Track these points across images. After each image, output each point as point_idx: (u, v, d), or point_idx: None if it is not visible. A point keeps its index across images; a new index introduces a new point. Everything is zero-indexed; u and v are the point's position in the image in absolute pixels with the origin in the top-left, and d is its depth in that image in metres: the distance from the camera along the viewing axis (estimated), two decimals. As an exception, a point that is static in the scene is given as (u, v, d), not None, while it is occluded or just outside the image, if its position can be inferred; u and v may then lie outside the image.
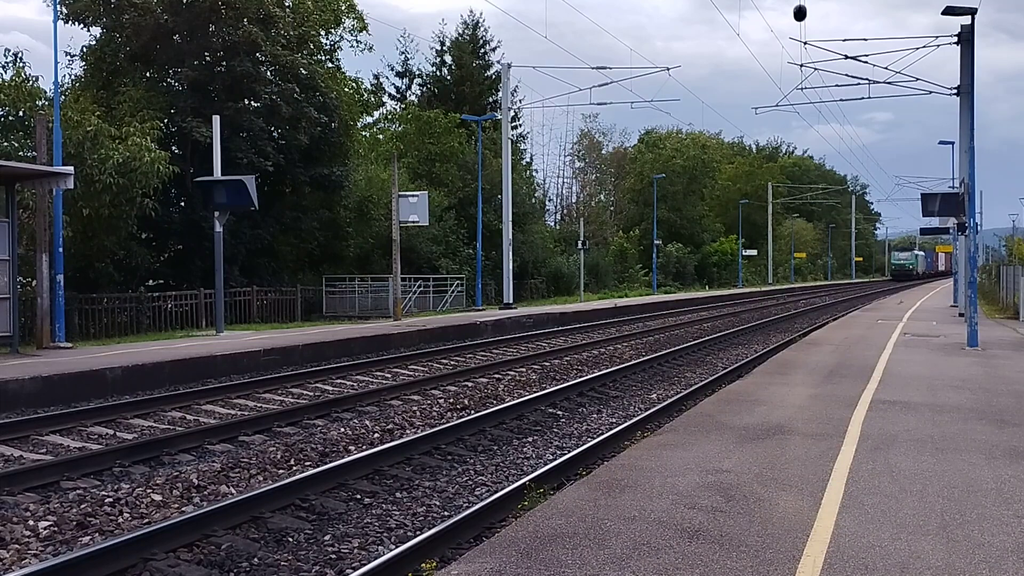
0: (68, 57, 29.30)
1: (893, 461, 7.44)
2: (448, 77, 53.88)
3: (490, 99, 52.01)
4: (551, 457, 9.57)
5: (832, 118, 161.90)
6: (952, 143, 34.27)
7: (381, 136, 49.12)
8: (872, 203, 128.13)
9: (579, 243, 44.70)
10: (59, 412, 11.38)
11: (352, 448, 9.65)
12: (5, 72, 23.40)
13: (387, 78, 55.61)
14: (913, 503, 6.19)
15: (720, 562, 5.00)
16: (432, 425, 10.87)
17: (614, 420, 11.90)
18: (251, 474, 8.49)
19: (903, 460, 7.49)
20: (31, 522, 6.82)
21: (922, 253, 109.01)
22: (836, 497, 6.30)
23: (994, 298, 40.04)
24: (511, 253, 34.89)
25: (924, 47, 22.42)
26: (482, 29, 54.55)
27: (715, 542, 5.34)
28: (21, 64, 23.43)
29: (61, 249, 17.98)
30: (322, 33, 34.30)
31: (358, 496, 7.91)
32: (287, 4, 31.03)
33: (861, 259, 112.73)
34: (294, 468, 8.76)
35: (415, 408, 12.18)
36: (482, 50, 54.29)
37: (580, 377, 15.24)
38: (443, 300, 35.86)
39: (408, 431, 10.59)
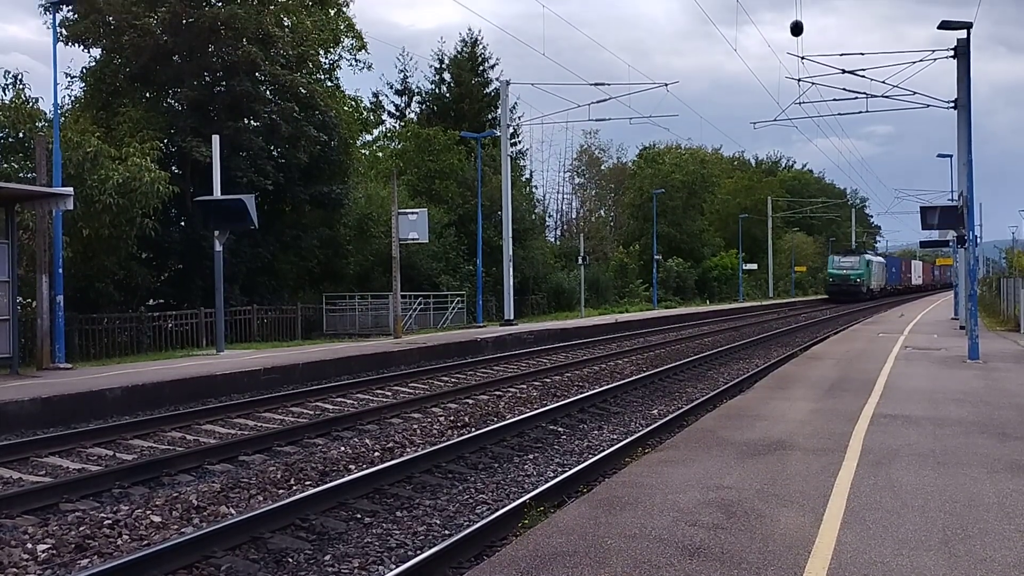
0: (68, 78, 29.42)
1: (895, 476, 7.42)
2: (447, 94, 54.05)
3: (489, 116, 52.16)
4: (552, 474, 9.54)
5: (831, 132, 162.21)
6: (951, 156, 34.37)
7: (380, 154, 49.28)
8: (872, 216, 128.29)
9: (579, 258, 44.70)
10: (59, 433, 11.36)
11: (352, 467, 9.62)
12: (5, 94, 23.50)
13: (386, 96, 55.83)
14: (915, 518, 6.17)
15: (721, 580, 4.97)
16: (432, 443, 10.84)
17: (615, 436, 11.88)
18: (251, 494, 8.46)
19: (905, 475, 7.46)
20: (29, 545, 6.79)
21: (879, 260, 76.03)
22: (838, 513, 6.28)
23: (995, 310, 40.01)
24: (511, 269, 34.90)
25: (921, 61, 22.53)
26: (480, 46, 54.79)
27: (716, 559, 5.31)
28: (21, 86, 23.53)
29: (61, 270, 18.00)
30: (321, 52, 34.46)
31: (358, 515, 7.89)
32: (286, 24, 31.17)
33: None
34: (294, 488, 8.74)
35: (415, 426, 12.16)
36: (481, 67, 54.49)
37: (581, 393, 15.21)
38: (444, 317, 35.84)
39: (408, 449, 10.57)
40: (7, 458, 10.02)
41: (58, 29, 23.99)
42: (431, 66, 56.27)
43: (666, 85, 33.38)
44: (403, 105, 56.19)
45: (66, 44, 28.00)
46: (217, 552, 6.65)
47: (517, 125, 53.33)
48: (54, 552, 6.70)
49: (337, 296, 33.94)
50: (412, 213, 28.08)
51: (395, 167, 37.00)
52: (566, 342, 27.25)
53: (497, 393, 15.77)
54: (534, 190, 60.17)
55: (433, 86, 54.99)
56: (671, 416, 12.90)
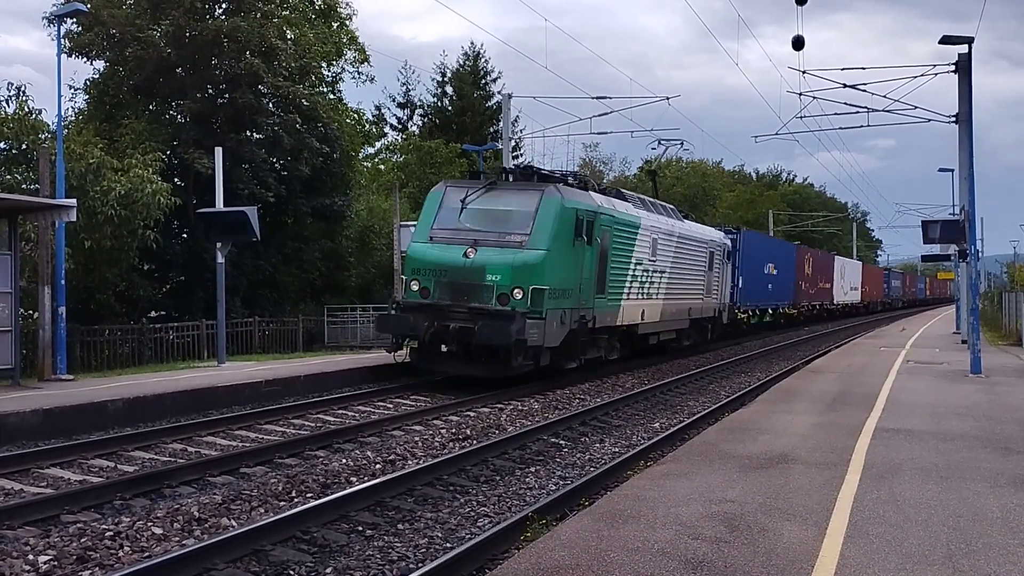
0: (71, 90, 29.52)
1: (898, 490, 7.40)
2: (449, 108, 54.25)
3: (491, 129, 52.33)
4: (554, 487, 9.52)
5: (833, 146, 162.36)
6: (952, 170, 34.38)
7: (382, 166, 49.38)
8: (873, 230, 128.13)
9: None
10: (60, 445, 11.33)
11: (354, 479, 9.60)
12: (8, 106, 23.57)
13: (388, 109, 56.01)
14: (918, 533, 6.15)
15: (724, 594, 4.96)
16: (434, 456, 10.83)
17: (617, 450, 11.86)
18: (252, 506, 8.44)
19: (908, 489, 7.44)
20: (31, 556, 6.77)
21: (673, 227, 23.23)
22: (841, 527, 6.26)
23: (997, 325, 40.00)
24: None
25: (922, 75, 22.55)
26: (483, 60, 55.04)
27: (719, 573, 5.30)
28: (24, 98, 23.61)
29: (63, 281, 17.99)
30: (324, 65, 34.57)
31: (360, 528, 7.87)
32: (289, 37, 31.29)
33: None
34: (296, 500, 8.72)
35: (417, 438, 12.13)
36: (483, 81, 54.73)
37: (583, 407, 15.19)
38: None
39: (410, 462, 10.55)
40: (9, 469, 9.99)
41: (62, 41, 24.08)
42: (433, 79, 56.47)
43: (667, 99, 33.29)
44: (405, 118, 56.40)
45: (69, 56, 28.11)
46: (218, 564, 6.64)
47: (519, 138, 53.50)
48: (55, 563, 6.68)
49: (339, 308, 33.94)
50: (414, 225, 28.03)
51: (397, 180, 37.09)
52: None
53: (499, 406, 15.74)
54: (536, 203, 60.17)
55: (435, 99, 55.23)
56: (673, 429, 12.89)
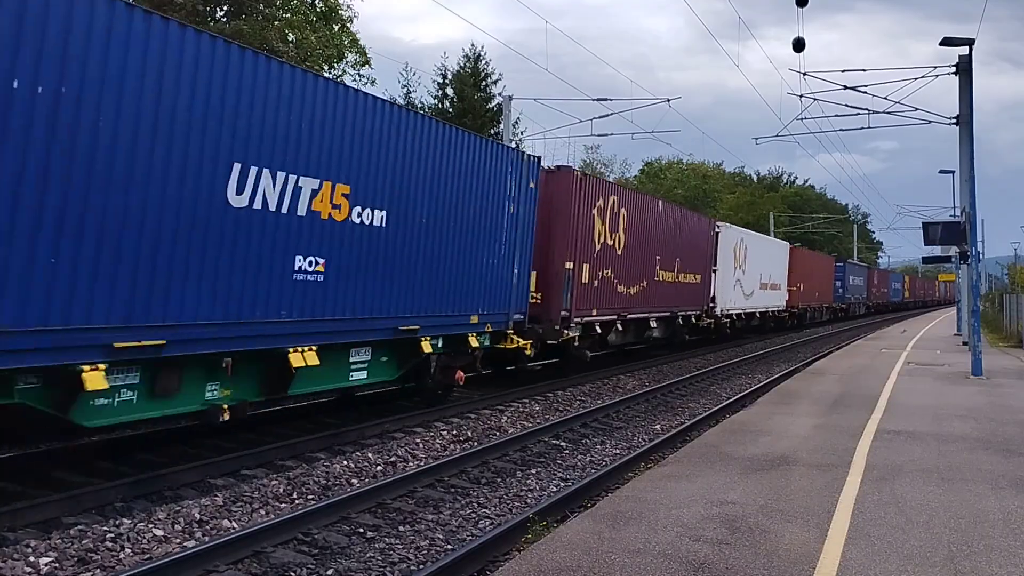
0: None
1: (899, 492, 7.40)
2: (450, 110, 54.23)
3: (492, 131, 52.33)
4: (555, 489, 9.53)
5: (834, 147, 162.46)
6: (953, 172, 34.38)
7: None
8: (874, 232, 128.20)
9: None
10: (62, 445, 11.32)
11: (355, 481, 9.61)
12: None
13: (389, 111, 56.04)
14: (920, 534, 6.15)
15: (726, 595, 4.95)
16: (435, 458, 10.83)
17: (618, 451, 11.86)
18: (253, 508, 8.44)
19: (909, 491, 7.44)
20: (32, 558, 6.77)
21: None
22: (842, 528, 6.26)
23: (998, 326, 40.00)
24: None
25: (923, 77, 22.57)
26: (483, 62, 55.07)
27: (721, 575, 5.29)
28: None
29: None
30: (325, 68, 34.58)
31: (361, 530, 7.87)
32: (291, 39, 31.30)
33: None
34: (296, 502, 8.72)
35: (418, 440, 12.14)
36: (484, 83, 54.74)
37: (584, 408, 15.19)
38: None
39: (411, 463, 10.56)
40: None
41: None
42: (434, 81, 56.49)
43: (668, 100, 33.30)
44: (406, 120, 56.42)
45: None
46: (219, 566, 6.64)
47: (520, 140, 53.50)
48: (57, 565, 6.68)
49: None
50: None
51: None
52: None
53: (499, 407, 15.74)
54: (536, 205, 60.16)
55: (436, 101, 55.21)
56: (674, 431, 12.89)
